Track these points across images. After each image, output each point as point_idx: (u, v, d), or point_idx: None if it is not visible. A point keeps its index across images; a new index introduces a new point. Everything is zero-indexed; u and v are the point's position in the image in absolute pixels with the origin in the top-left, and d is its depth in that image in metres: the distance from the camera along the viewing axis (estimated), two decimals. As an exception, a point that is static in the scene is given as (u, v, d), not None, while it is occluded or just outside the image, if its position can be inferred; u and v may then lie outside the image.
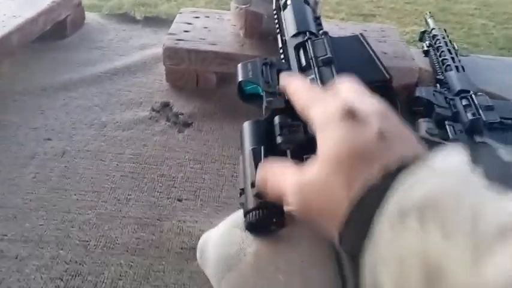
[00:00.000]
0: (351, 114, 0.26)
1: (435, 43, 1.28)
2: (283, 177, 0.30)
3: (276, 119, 0.45)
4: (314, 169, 0.27)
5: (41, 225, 0.82)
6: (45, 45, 1.37)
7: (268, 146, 0.43)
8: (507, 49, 1.80)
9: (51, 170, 0.95)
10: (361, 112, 0.26)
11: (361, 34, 0.57)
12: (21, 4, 1.31)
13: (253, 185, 0.42)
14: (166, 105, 1.19)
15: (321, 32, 0.60)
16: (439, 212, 0.19)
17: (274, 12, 0.70)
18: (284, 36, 0.62)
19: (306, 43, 0.55)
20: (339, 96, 0.30)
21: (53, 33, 1.39)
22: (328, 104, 0.28)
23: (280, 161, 0.34)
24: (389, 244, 0.20)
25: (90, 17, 1.60)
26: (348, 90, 0.31)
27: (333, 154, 0.25)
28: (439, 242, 0.18)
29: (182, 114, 1.16)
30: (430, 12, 1.48)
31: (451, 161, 0.21)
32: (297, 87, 0.35)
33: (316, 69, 0.51)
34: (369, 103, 0.28)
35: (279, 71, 0.52)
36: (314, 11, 0.69)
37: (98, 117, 1.12)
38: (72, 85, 1.23)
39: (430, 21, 1.42)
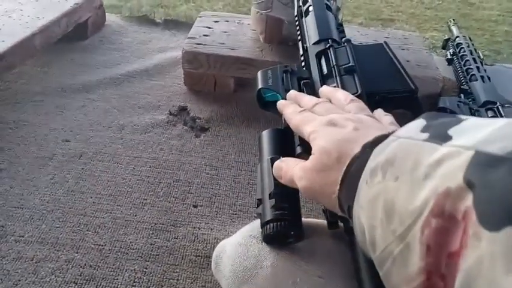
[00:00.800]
0: (332, 122, 0.37)
1: (459, 51, 1.25)
2: (292, 166, 0.38)
3: None
4: (313, 158, 0.35)
5: (57, 227, 0.82)
6: (66, 47, 1.39)
7: (287, 155, 0.42)
8: (531, 58, 1.75)
9: (68, 171, 0.95)
10: (339, 120, 0.37)
11: (385, 42, 0.56)
12: (44, 6, 1.33)
13: (271, 195, 0.41)
14: (183, 109, 1.19)
15: (343, 39, 0.58)
16: (394, 165, 0.26)
17: (296, 18, 0.68)
18: (305, 43, 0.60)
19: (328, 51, 0.54)
20: (323, 114, 0.39)
21: (74, 35, 1.41)
22: (316, 120, 0.38)
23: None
24: (365, 195, 0.28)
25: (111, 18, 1.62)
26: (329, 109, 0.41)
27: (324, 146, 0.35)
28: (392, 185, 0.25)
29: (199, 118, 1.15)
30: (454, 20, 1.44)
31: (410, 127, 0.28)
32: (289, 112, 0.43)
33: (338, 77, 0.50)
34: (345, 115, 0.38)
35: (299, 79, 0.51)
36: (336, 17, 0.67)
37: (116, 119, 1.12)
38: (91, 87, 1.24)
39: (453, 28, 1.38)
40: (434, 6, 2.14)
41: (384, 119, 0.40)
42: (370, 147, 0.31)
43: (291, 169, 0.38)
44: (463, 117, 0.26)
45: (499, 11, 2.14)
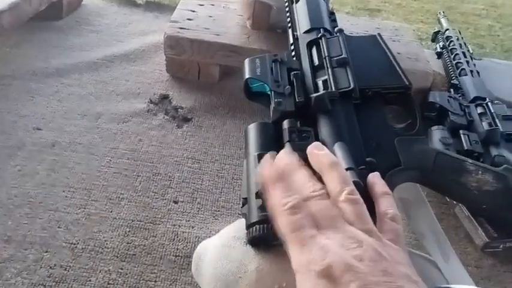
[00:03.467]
0: (327, 273, 0.28)
1: (449, 45, 1.24)
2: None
3: (285, 123, 0.42)
4: None
5: (25, 223, 0.78)
6: (39, 27, 1.32)
7: (275, 151, 0.39)
8: (512, 52, 1.78)
9: (39, 162, 0.91)
10: (337, 271, 0.28)
11: (378, 34, 0.54)
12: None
13: (257, 195, 0.38)
14: (165, 97, 1.15)
15: (336, 29, 0.56)
16: None
17: (286, 4, 0.65)
18: (296, 31, 0.57)
19: (320, 41, 0.52)
20: (322, 241, 0.31)
21: (47, 14, 1.34)
22: (310, 251, 0.30)
23: None
24: None
25: (89, -2, 1.56)
26: (324, 215, 0.32)
27: None
28: None
29: (182, 108, 1.12)
30: (443, 12, 1.43)
31: None
32: (277, 199, 0.34)
33: (329, 70, 0.48)
34: (346, 257, 0.29)
35: (289, 70, 0.49)
36: (327, 4, 0.65)
37: (92, 107, 1.08)
38: (65, 71, 1.18)
39: (443, 21, 1.37)
40: (420, -3, 2.16)
41: (385, 225, 0.33)
42: None
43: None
44: None
45: (483, 5, 2.19)
